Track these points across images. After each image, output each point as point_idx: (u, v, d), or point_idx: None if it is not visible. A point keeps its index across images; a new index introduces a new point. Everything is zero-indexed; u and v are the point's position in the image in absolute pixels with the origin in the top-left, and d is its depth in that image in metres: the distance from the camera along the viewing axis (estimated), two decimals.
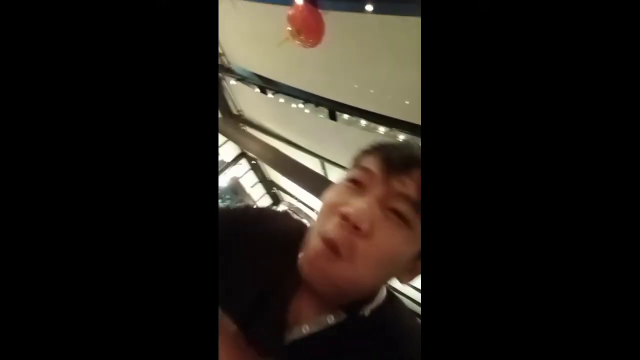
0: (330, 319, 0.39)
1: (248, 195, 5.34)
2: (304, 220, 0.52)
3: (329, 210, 0.38)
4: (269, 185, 5.32)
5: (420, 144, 0.38)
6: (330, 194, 0.40)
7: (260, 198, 5.52)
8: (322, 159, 3.17)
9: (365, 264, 0.35)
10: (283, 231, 0.47)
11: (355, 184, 0.39)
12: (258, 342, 0.38)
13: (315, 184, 2.61)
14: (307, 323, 0.39)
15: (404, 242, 0.36)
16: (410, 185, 0.36)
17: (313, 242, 0.37)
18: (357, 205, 0.36)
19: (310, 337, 0.38)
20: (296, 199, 4.97)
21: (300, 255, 0.39)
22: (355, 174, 0.40)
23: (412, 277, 0.41)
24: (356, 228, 0.35)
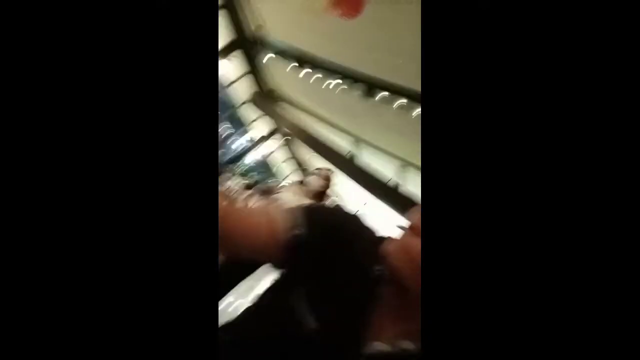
0: (410, 345, 0.37)
1: (276, 172, 5.43)
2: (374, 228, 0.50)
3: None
4: (299, 163, 5.37)
5: None
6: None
7: (288, 175, 5.61)
8: (356, 138, 3.11)
9: None
10: (358, 236, 0.45)
11: None
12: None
13: (345, 164, 2.59)
14: (384, 342, 0.38)
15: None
16: None
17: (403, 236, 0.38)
18: None
19: (384, 356, 0.37)
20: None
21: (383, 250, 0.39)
22: None
23: None
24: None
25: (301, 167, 5.34)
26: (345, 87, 2.25)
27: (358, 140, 2.97)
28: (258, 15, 2.60)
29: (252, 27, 2.70)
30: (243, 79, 3.32)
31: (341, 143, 2.92)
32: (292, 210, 0.45)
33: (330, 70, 2.31)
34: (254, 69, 3.13)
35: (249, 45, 2.90)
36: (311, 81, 2.50)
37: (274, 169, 5.43)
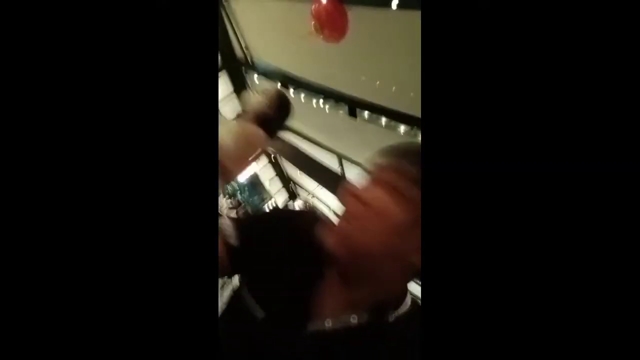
0: (354, 319, 0.39)
1: (266, 190, 5.41)
2: (321, 217, 0.54)
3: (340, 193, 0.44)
4: (286, 181, 5.36)
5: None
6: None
7: (276, 192, 5.58)
8: (340, 156, 3.15)
9: (374, 226, 0.39)
10: (305, 227, 0.49)
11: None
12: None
13: (332, 181, 2.60)
14: (330, 318, 0.39)
15: (402, 211, 0.38)
16: (405, 164, 0.41)
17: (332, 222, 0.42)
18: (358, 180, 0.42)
19: (331, 332, 0.39)
20: (312, 195, 4.98)
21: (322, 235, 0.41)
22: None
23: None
24: (354, 195, 0.41)
25: (289, 185, 5.33)
26: (330, 106, 2.30)
27: (344, 158, 3.01)
28: (244, 37, 2.66)
29: (239, 48, 2.75)
30: (228, 98, 3.34)
31: (328, 161, 2.95)
32: (224, 223, 0.49)
33: (315, 90, 2.36)
34: (239, 90, 3.17)
35: (234, 66, 2.94)
36: (298, 100, 2.54)
37: (263, 188, 5.39)
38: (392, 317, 0.40)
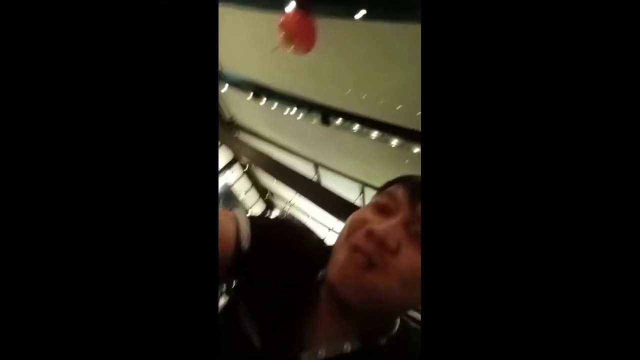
0: (347, 347, 0.38)
1: (241, 202, 5.31)
2: (323, 237, 0.52)
3: (355, 226, 0.39)
4: (262, 191, 5.30)
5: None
6: (355, 214, 0.41)
7: (253, 204, 5.49)
8: (316, 164, 3.17)
9: (395, 279, 0.35)
10: (304, 245, 0.46)
11: (381, 207, 0.40)
12: None
13: (309, 189, 2.61)
14: (323, 347, 0.38)
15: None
16: None
17: (343, 254, 0.37)
18: (384, 224, 0.37)
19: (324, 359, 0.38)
20: (290, 204, 4.96)
21: (329, 268, 0.39)
22: (382, 199, 0.41)
23: None
24: (383, 243, 0.35)
25: (265, 195, 5.27)
26: (303, 115, 2.32)
27: (318, 166, 3.03)
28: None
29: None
30: None
31: (302, 169, 2.95)
32: (240, 221, 0.46)
33: (286, 99, 2.37)
34: None
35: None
36: (270, 110, 2.54)
37: (239, 198, 5.29)
38: (383, 342, 0.40)
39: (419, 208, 0.37)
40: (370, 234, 0.36)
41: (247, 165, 4.49)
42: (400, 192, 0.40)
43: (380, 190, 0.44)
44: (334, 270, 0.38)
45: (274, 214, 5.34)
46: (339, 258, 0.38)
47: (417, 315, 0.43)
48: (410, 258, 0.36)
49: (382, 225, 0.36)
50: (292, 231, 0.50)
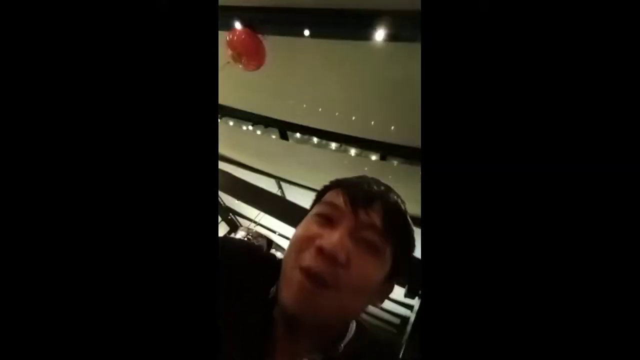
0: None
1: None
2: (276, 254, 0.51)
3: (302, 244, 0.38)
4: (224, 212, 5.13)
5: (374, 179, 0.43)
6: (300, 230, 0.41)
7: (220, 222, 5.27)
8: (278, 179, 3.15)
9: (349, 291, 0.36)
10: (255, 267, 0.45)
11: (324, 218, 0.40)
12: None
13: (273, 205, 2.58)
14: None
15: (377, 267, 0.38)
16: (374, 216, 0.38)
17: (295, 277, 0.36)
18: (331, 238, 0.37)
19: None
20: (255, 222, 4.84)
21: (281, 290, 0.38)
22: (322, 209, 0.41)
23: (383, 298, 0.43)
24: (333, 259, 0.35)
25: (227, 216, 5.10)
26: (261, 131, 2.31)
27: (282, 181, 3.01)
28: None
29: None
30: None
31: (266, 185, 2.92)
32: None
33: (242, 117, 2.35)
34: None
35: None
36: (227, 128, 2.49)
37: None
38: (341, 348, 0.40)
39: (360, 214, 0.38)
40: (319, 252, 0.36)
41: None
42: (340, 199, 0.40)
43: (319, 197, 0.44)
44: (287, 294, 0.37)
45: (239, 234, 5.17)
46: (292, 282, 0.37)
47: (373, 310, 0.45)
48: (359, 267, 0.36)
49: (330, 239, 0.36)
50: (235, 249, 0.49)
